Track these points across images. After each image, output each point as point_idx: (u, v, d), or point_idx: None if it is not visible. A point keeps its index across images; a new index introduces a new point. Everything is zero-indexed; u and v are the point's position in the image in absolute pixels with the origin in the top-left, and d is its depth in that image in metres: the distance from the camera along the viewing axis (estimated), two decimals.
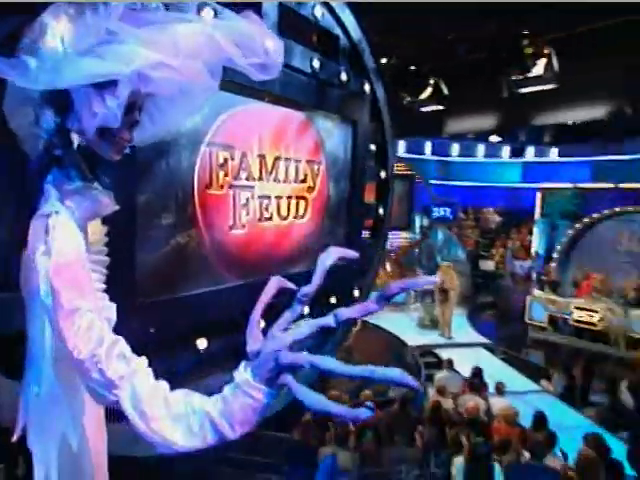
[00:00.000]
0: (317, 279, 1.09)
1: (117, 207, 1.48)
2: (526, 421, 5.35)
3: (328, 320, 1.03)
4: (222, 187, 2.43)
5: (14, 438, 1.37)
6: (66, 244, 1.27)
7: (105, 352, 1.10)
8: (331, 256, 1.12)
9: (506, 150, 13.19)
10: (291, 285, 1.22)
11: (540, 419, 5.20)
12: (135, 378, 1.08)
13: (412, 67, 5.71)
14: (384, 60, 5.55)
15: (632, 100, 6.04)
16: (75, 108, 1.32)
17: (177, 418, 1.04)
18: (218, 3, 2.33)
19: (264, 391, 1.00)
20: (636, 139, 8.93)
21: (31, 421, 1.35)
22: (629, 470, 4.61)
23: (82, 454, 1.36)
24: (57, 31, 1.26)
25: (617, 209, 10.20)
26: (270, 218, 2.77)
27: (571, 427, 5.78)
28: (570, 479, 4.17)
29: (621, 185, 10.24)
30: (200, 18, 1.66)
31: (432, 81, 5.88)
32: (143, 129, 1.49)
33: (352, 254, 1.17)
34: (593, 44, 4.85)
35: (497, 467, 4.31)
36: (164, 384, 1.13)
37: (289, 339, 1.01)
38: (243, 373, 1.04)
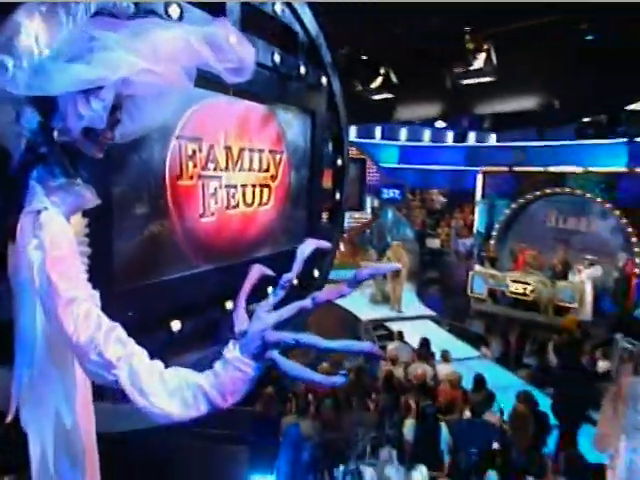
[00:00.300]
0: (297, 267, 1.22)
1: (99, 201, 1.54)
2: (468, 384, 5.74)
3: (307, 303, 1.16)
4: (192, 178, 2.49)
5: (8, 419, 1.43)
6: (59, 238, 1.33)
7: (103, 336, 1.18)
8: (309, 247, 1.25)
9: (450, 135, 13.58)
10: (270, 272, 1.34)
11: (480, 381, 5.61)
12: (132, 359, 1.17)
13: (363, 57, 5.84)
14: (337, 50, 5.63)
15: (559, 93, 6.50)
16: (60, 109, 1.36)
17: (173, 392, 1.15)
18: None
19: (252, 365, 1.12)
20: (563, 128, 9.52)
21: (24, 402, 1.40)
22: (553, 420, 5.11)
23: (75, 431, 1.44)
24: (31, 30, 1.29)
25: (547, 190, 10.85)
26: (237, 206, 2.85)
27: (506, 387, 6.23)
28: (504, 431, 4.58)
29: (550, 169, 10.87)
30: (177, 24, 1.70)
31: (382, 71, 6.03)
32: (123, 127, 1.54)
33: (326, 244, 1.31)
34: (527, 41, 5.15)
35: (443, 425, 4.64)
36: (159, 363, 1.23)
37: (273, 320, 1.14)
38: (232, 350, 1.16)
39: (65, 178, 1.41)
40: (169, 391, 1.15)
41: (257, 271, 1.32)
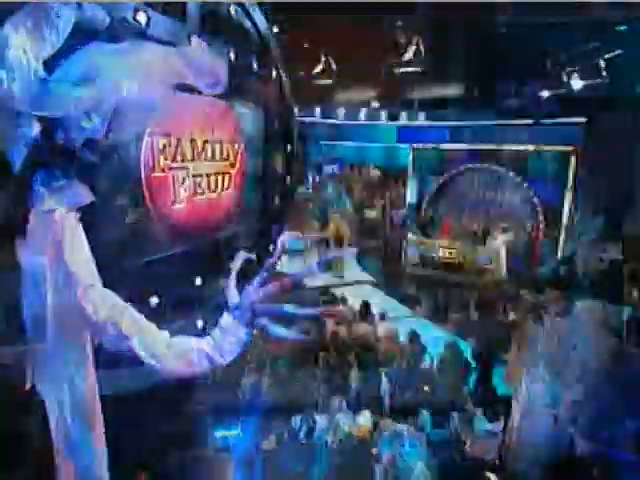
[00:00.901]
0: (278, 253, 1.48)
1: (93, 198, 1.70)
2: (404, 338, 6.29)
3: (286, 281, 1.43)
4: (163, 170, 2.60)
5: (27, 387, 1.60)
6: (73, 233, 1.51)
7: (119, 314, 1.40)
8: (288, 238, 1.52)
9: (384, 114, 13.86)
10: (252, 257, 1.60)
11: (413, 335, 6.17)
12: (143, 330, 1.40)
13: (306, 45, 5.97)
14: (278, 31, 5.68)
15: (476, 81, 7.05)
16: (63, 123, 1.51)
17: (179, 355, 1.39)
18: (146, 4, 2.42)
19: (245, 331, 1.39)
20: (485, 110, 10.17)
21: (41, 373, 1.57)
22: (474, 364, 5.78)
23: (84, 393, 1.64)
24: (19, 43, 1.43)
25: (469, 165, 11.63)
26: (202, 193, 3.00)
27: (436, 339, 6.85)
28: (434, 376, 5.17)
29: (472, 146, 11.61)
30: (162, 47, 1.80)
31: (323, 59, 6.21)
32: (113, 132, 1.70)
33: (297, 235, 1.58)
34: (450, 38, 5.53)
35: (383, 375, 5.14)
36: (165, 333, 1.46)
37: (261, 295, 1.40)
38: (228, 319, 1.42)
39: (65, 179, 1.56)
40: (176, 354, 1.39)
41: (241, 257, 1.58)
